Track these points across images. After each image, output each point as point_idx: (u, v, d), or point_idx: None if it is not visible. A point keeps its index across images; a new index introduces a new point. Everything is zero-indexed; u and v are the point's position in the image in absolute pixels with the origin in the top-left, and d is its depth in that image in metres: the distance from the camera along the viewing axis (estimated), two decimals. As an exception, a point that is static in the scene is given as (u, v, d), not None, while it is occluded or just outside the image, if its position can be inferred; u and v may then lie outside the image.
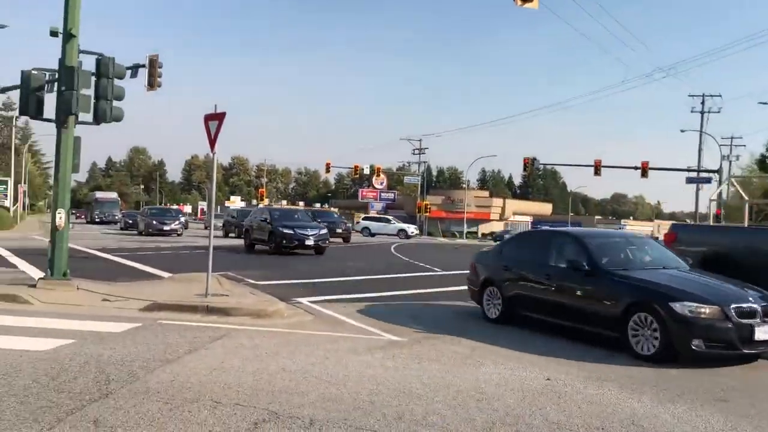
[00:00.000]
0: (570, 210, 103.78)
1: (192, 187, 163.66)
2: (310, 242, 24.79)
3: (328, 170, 68.03)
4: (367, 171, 66.97)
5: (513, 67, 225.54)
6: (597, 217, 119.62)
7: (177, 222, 39.48)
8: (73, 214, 77.49)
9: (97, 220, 67.47)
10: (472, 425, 5.21)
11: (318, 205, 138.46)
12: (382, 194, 75.45)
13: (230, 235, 40.00)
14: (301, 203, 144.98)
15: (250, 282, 14.72)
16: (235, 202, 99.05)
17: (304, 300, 12.10)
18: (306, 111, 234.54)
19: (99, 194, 78.03)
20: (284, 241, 24.59)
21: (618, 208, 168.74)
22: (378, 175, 68.83)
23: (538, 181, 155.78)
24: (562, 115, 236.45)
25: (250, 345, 7.98)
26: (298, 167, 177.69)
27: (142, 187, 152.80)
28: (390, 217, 59.32)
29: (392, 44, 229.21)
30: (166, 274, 15.83)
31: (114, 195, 79.19)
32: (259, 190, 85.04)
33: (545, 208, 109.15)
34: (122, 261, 19.98)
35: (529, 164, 51.83)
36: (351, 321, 10.09)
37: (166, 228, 38.20)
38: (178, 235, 38.24)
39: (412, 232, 54.03)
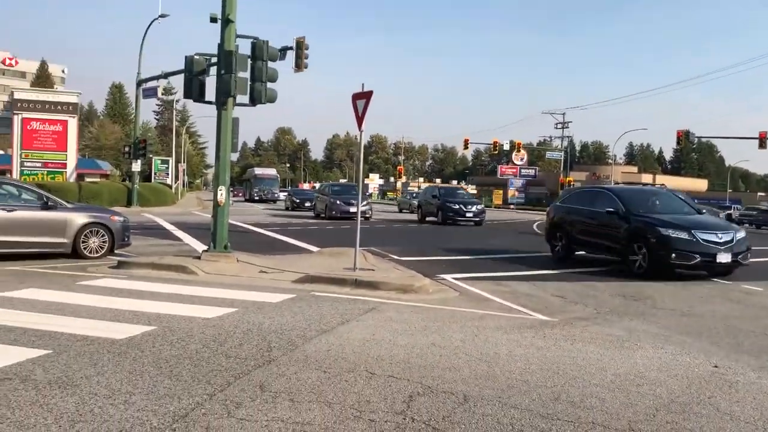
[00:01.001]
0: (728, 186, 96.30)
1: (333, 165, 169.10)
2: (724, 258, 12.70)
3: (466, 146, 67.45)
4: (506, 147, 65.73)
5: (662, 36, 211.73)
6: (760, 193, 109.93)
7: (364, 203, 30.72)
8: (230, 191, 79.41)
9: (256, 197, 63.53)
10: (634, 410, 4.98)
11: (455, 182, 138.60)
12: (522, 170, 73.90)
13: (428, 219, 32.08)
14: (438, 180, 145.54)
15: (394, 257, 14.97)
16: (374, 180, 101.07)
17: (448, 276, 12.11)
18: (444, 87, 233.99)
19: (258, 170, 72.73)
20: (673, 255, 12.62)
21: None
22: (518, 151, 67.42)
23: (692, 155, 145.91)
24: (718, 84, 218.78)
25: (398, 319, 8.12)
26: (435, 144, 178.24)
27: (287, 165, 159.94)
28: None
29: (533, 18, 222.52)
30: (314, 248, 16.48)
31: (273, 171, 73.34)
32: (398, 167, 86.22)
33: (699, 185, 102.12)
34: (274, 235, 21.06)
35: (683, 137, 48.53)
36: (497, 299, 9.97)
37: (353, 210, 28.95)
38: (367, 218, 30.30)
39: None
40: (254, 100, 12.53)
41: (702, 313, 9.44)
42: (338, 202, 30.59)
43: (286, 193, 52.55)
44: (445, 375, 5.71)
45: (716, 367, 6.38)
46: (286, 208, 43.31)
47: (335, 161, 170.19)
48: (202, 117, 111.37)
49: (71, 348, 6.12)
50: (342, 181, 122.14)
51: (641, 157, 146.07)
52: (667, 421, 4.77)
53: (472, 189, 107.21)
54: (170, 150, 70.73)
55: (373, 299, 9.45)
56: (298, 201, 41.84)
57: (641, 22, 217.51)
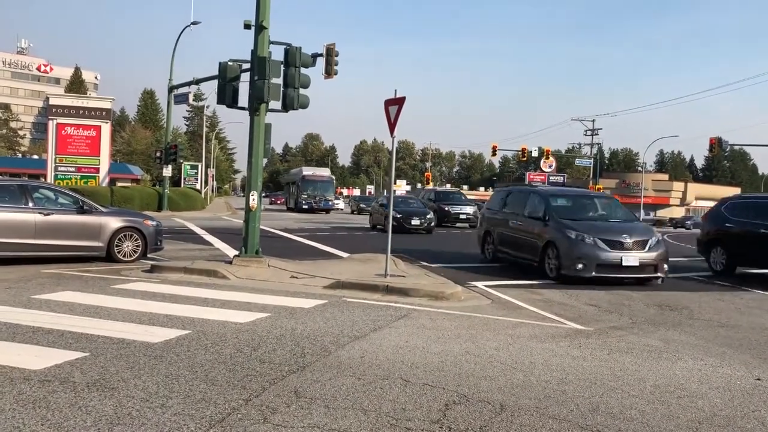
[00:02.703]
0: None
1: (360, 170, 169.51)
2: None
3: (494, 153, 66.85)
4: (535, 153, 65.16)
5: (695, 41, 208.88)
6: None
7: (654, 239, 13.29)
8: (266, 196, 74.74)
9: (304, 206, 48.35)
10: (676, 423, 4.87)
11: (482, 188, 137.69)
12: (551, 177, 73.15)
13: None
14: (465, 187, 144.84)
15: (424, 264, 14.90)
16: (401, 186, 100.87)
17: (480, 284, 12.01)
18: (472, 94, 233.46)
19: (307, 170, 54.81)
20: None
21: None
22: (547, 158, 66.72)
23: (724, 163, 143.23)
24: (753, 91, 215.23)
25: (431, 326, 8.06)
26: (462, 150, 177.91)
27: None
28: None
29: (562, 23, 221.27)
30: (344, 254, 16.49)
31: (327, 172, 55.38)
32: (425, 173, 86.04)
33: (732, 193, 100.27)
34: (303, 240, 21.11)
35: (716, 145, 47.65)
36: (530, 307, 9.85)
37: (633, 260, 12.70)
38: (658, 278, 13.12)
39: None
40: (287, 106, 12.58)
41: (741, 324, 9.23)
42: (590, 240, 12.78)
43: (375, 203, 32.48)
44: (481, 383, 5.64)
45: (759, 380, 6.22)
46: (373, 227, 29.11)
47: (362, 167, 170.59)
48: (232, 123, 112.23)
49: (108, 351, 6.17)
50: (369, 188, 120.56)
51: (672, 165, 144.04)
52: (710, 435, 4.65)
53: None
54: (200, 155, 71.51)
55: (405, 306, 9.40)
56: (399, 217, 25.91)
57: (673, 29, 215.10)
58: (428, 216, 27.01)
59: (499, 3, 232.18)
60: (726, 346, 7.71)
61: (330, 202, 50.35)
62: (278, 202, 70.95)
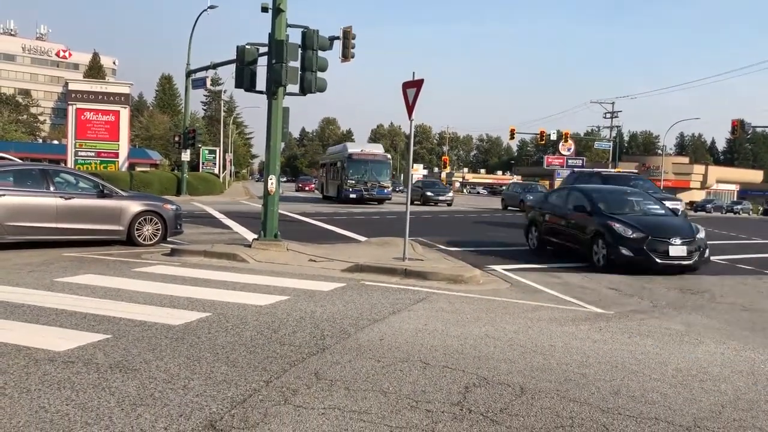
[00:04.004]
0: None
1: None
2: None
3: (512, 136, 66.39)
4: (553, 136, 64.60)
5: (717, 22, 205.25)
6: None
7: None
8: (291, 181, 72.23)
9: (351, 195, 37.18)
10: (698, 407, 4.83)
11: (500, 172, 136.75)
12: (569, 161, 72.55)
13: None
14: (483, 171, 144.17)
15: (442, 248, 14.88)
16: (418, 170, 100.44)
17: (498, 267, 11.98)
18: (489, 77, 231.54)
19: (353, 147, 40.53)
20: None
21: None
22: (565, 141, 66.11)
23: (746, 145, 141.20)
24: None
25: (450, 309, 8.05)
26: (480, 134, 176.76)
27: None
28: None
29: (582, 8, 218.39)
30: (362, 238, 16.50)
31: (380, 150, 41.67)
32: (442, 157, 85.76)
33: (754, 176, 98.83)
34: (321, 225, 21.16)
35: (738, 127, 47.00)
36: (550, 291, 9.81)
37: None
38: None
39: None
40: (304, 90, 12.55)
41: (764, 308, 9.13)
42: None
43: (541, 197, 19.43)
44: (500, 366, 5.63)
45: (783, 363, 6.14)
46: (541, 242, 14.96)
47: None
48: (249, 107, 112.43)
49: (130, 333, 6.24)
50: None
51: (692, 148, 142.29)
52: (734, 419, 4.61)
53: (517, 179, 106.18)
54: (217, 140, 71.72)
55: (423, 289, 9.39)
56: (637, 238, 11.82)
57: (693, 10, 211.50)
58: (700, 236, 12.47)
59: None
60: (749, 330, 7.63)
61: (386, 190, 38.64)
62: (307, 188, 60.35)
